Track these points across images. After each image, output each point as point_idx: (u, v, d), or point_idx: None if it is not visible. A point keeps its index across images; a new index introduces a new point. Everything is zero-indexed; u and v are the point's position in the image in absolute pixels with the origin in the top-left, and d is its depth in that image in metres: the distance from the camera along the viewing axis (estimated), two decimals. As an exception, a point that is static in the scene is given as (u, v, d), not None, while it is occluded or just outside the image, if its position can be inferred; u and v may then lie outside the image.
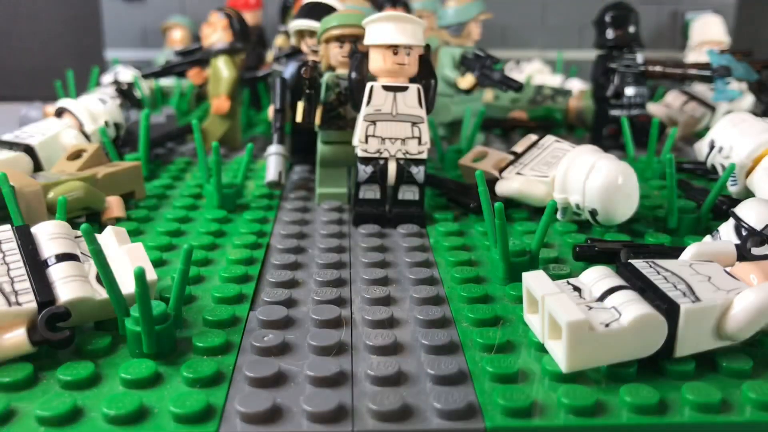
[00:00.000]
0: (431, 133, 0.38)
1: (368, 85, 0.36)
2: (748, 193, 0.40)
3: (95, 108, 0.50)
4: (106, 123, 0.50)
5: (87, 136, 0.48)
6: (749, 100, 0.62)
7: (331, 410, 0.22)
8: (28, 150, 0.43)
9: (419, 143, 0.37)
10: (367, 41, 0.36)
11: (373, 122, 0.36)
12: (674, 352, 0.24)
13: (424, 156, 0.37)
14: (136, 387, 0.23)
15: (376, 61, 0.36)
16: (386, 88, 0.36)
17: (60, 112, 0.49)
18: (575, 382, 0.23)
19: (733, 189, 0.41)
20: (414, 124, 0.37)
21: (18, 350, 0.24)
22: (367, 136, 0.37)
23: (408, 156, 0.37)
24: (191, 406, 0.22)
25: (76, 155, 0.43)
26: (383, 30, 0.35)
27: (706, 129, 0.57)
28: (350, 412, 0.22)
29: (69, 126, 0.47)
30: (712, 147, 0.42)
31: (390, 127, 0.37)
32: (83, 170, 0.41)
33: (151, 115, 0.56)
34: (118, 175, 0.42)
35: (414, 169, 0.37)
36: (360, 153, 0.37)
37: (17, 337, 0.24)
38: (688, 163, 0.52)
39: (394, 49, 0.36)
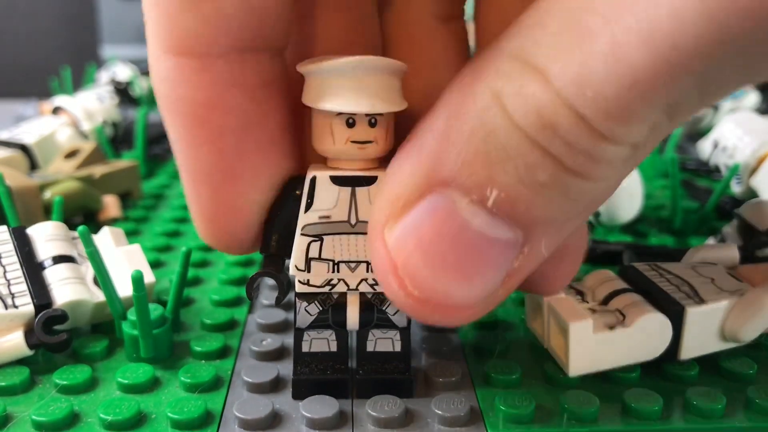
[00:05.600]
0: None
1: (308, 174, 0.21)
2: (752, 193, 0.39)
3: (92, 106, 0.50)
4: (104, 121, 0.50)
5: (84, 135, 0.48)
6: (753, 98, 0.62)
7: (330, 416, 0.21)
8: (24, 149, 0.43)
9: None
10: (305, 99, 0.20)
11: (318, 237, 0.21)
12: (679, 355, 0.24)
13: None
14: (134, 392, 0.23)
15: (319, 137, 0.21)
16: (338, 180, 0.21)
17: (56, 110, 0.49)
18: (577, 387, 0.23)
19: (737, 189, 0.40)
20: None
21: (15, 353, 0.24)
22: (308, 260, 0.21)
23: (378, 288, 0.22)
24: (189, 412, 0.21)
25: (72, 154, 0.42)
26: (330, 88, 0.20)
27: (710, 128, 0.57)
28: (350, 418, 0.22)
29: (65, 124, 0.47)
30: (715, 146, 0.42)
31: (347, 245, 0.21)
32: (80, 169, 0.41)
33: (149, 113, 0.56)
34: (115, 175, 0.41)
35: (391, 309, 0.22)
36: (298, 288, 0.22)
37: (14, 341, 0.24)
38: (691, 162, 0.51)
39: (349, 118, 0.20)
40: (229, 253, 0.22)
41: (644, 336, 0.23)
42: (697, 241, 0.30)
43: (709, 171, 0.47)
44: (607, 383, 0.24)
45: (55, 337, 0.24)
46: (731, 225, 0.31)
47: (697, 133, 0.60)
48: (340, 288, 0.22)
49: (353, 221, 0.21)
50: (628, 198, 0.37)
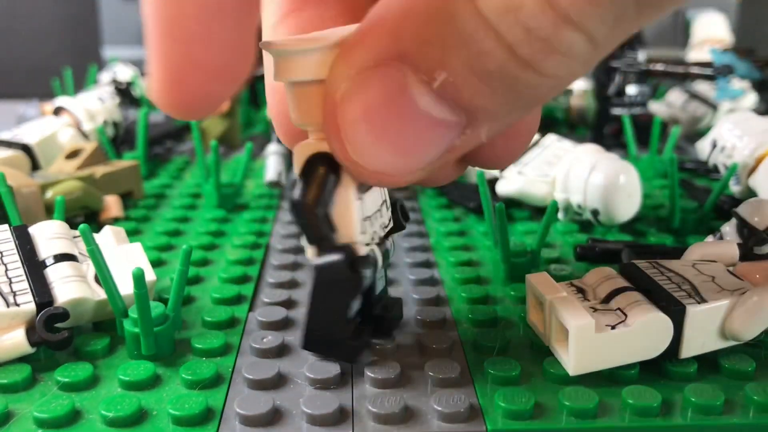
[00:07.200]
0: None
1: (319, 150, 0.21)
2: (750, 193, 0.39)
3: (93, 106, 0.50)
4: (105, 122, 0.50)
5: (85, 135, 0.48)
6: (751, 98, 0.62)
7: (331, 413, 0.21)
8: (26, 149, 0.43)
9: (387, 207, 0.24)
10: (291, 76, 0.20)
11: (361, 198, 0.21)
12: (680, 354, 0.24)
13: (391, 222, 0.25)
14: (135, 389, 0.23)
15: (309, 110, 0.21)
16: None
17: (58, 111, 0.49)
18: (577, 384, 0.23)
19: (735, 188, 0.40)
20: None
21: (16, 351, 0.24)
22: (362, 222, 0.22)
23: (385, 230, 0.24)
24: (190, 408, 0.21)
25: (74, 154, 0.42)
26: (320, 57, 0.20)
27: (708, 128, 0.57)
28: (350, 414, 0.22)
29: (67, 125, 0.47)
30: (714, 146, 0.42)
31: (369, 198, 0.22)
32: (81, 169, 0.41)
33: (150, 113, 0.56)
34: (116, 175, 0.42)
35: (388, 244, 0.24)
36: (361, 251, 0.21)
37: (15, 338, 0.24)
38: (690, 162, 0.52)
39: None
40: (183, 117, 0.20)
41: (646, 336, 0.23)
42: (696, 241, 0.30)
43: (707, 171, 0.47)
44: (606, 380, 0.24)
45: (57, 335, 0.24)
46: (730, 224, 0.31)
47: (696, 133, 0.61)
48: (373, 239, 0.23)
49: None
50: (627, 197, 0.37)
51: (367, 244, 0.22)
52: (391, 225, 0.24)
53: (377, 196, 0.23)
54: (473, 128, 0.17)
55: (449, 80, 0.16)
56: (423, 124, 0.17)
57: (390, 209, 0.24)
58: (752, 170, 0.39)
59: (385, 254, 0.24)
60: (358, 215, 0.21)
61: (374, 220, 0.23)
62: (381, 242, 0.24)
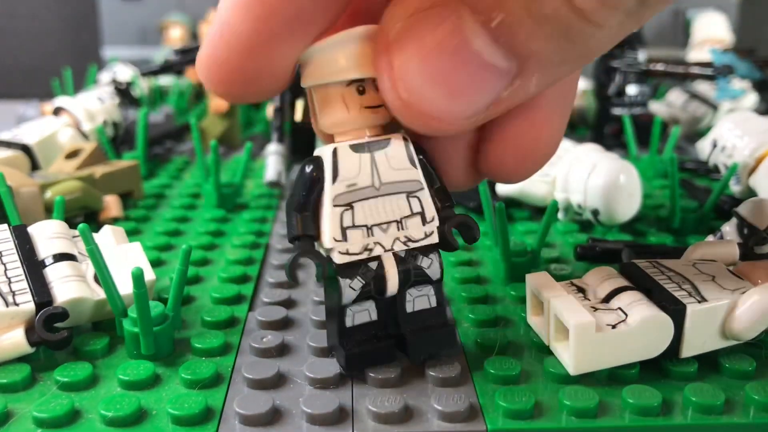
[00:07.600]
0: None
1: (329, 148, 0.22)
2: (750, 193, 0.39)
3: (93, 107, 0.50)
4: (104, 122, 0.50)
5: (85, 135, 0.48)
6: (752, 98, 0.62)
7: (330, 412, 0.21)
8: (26, 149, 0.43)
9: (423, 221, 0.23)
10: (310, 80, 0.22)
11: (349, 206, 0.22)
12: (680, 353, 0.24)
13: (435, 239, 0.23)
14: (134, 388, 0.23)
15: (330, 111, 0.22)
16: (357, 147, 0.22)
17: (57, 111, 0.49)
18: (577, 383, 0.23)
19: (735, 188, 0.40)
20: (410, 193, 0.23)
21: (15, 351, 0.24)
22: (344, 229, 0.22)
23: (411, 244, 0.23)
24: (190, 408, 0.21)
25: (73, 154, 0.42)
26: (334, 63, 0.21)
27: (709, 128, 0.57)
28: (350, 413, 0.22)
29: (66, 125, 0.47)
30: (714, 146, 0.42)
31: (375, 208, 0.22)
32: (81, 169, 0.41)
33: (150, 113, 0.56)
34: (116, 175, 0.42)
35: (424, 262, 0.23)
36: (338, 259, 0.22)
37: (15, 338, 0.24)
38: (690, 162, 0.52)
39: (359, 86, 0.21)
40: (232, 98, 0.21)
41: (646, 335, 0.23)
42: (696, 241, 0.30)
43: (708, 171, 0.47)
44: (606, 379, 0.24)
45: (56, 335, 0.24)
46: (730, 224, 0.31)
47: (696, 133, 0.61)
48: (377, 251, 0.23)
49: (377, 185, 0.22)
50: (627, 197, 0.37)
51: (355, 253, 0.22)
52: (430, 241, 0.23)
53: (394, 207, 0.22)
54: (523, 78, 0.17)
55: (506, 21, 0.16)
56: (476, 67, 0.17)
57: (428, 223, 0.23)
58: (752, 170, 0.39)
59: (406, 272, 0.23)
60: (334, 222, 0.22)
61: (382, 230, 0.22)
62: (408, 257, 0.23)
